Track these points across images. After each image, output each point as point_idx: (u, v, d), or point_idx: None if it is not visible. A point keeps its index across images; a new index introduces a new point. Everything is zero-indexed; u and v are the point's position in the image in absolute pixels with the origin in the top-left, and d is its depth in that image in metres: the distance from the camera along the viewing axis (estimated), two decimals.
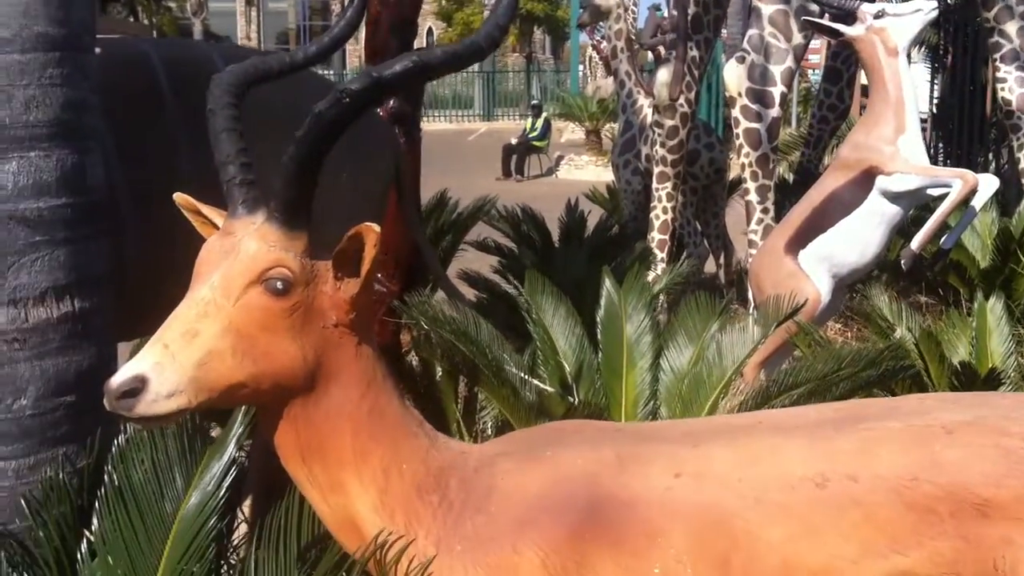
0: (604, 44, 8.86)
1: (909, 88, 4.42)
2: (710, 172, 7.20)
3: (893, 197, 4.40)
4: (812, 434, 1.75)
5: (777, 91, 5.76)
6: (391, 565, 1.75)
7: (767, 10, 5.77)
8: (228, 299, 1.66)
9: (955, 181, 4.25)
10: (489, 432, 3.23)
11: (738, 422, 1.92)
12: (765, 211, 5.82)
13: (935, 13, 4.43)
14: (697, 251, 7.15)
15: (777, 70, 5.74)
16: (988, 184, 4.29)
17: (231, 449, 2.25)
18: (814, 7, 5.41)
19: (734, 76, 5.75)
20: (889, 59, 4.41)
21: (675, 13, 6.21)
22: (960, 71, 9.43)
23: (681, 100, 6.22)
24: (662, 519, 1.69)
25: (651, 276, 5.13)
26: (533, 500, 1.74)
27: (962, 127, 9.39)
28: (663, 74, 6.15)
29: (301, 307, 1.69)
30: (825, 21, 4.67)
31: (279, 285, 1.66)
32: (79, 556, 2.13)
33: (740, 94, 5.76)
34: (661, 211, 6.41)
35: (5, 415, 2.22)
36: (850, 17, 4.55)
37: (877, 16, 4.44)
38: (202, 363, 1.63)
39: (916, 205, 4.68)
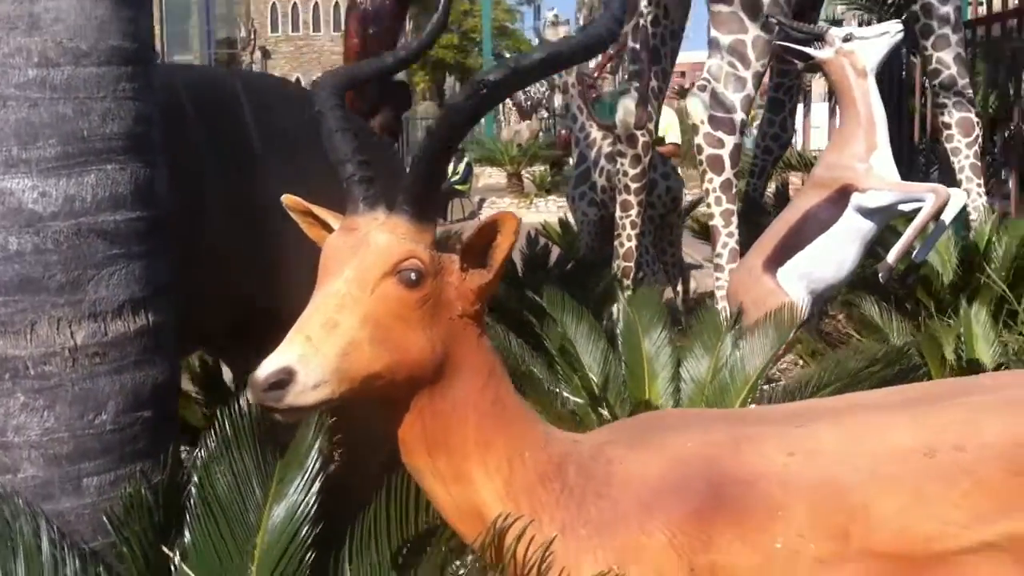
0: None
1: (879, 108, 4.63)
2: (667, 201, 7.36)
3: (868, 213, 4.57)
4: (911, 410, 1.83)
5: (738, 118, 5.93)
6: (512, 549, 1.76)
7: (725, 40, 5.95)
8: (364, 291, 1.67)
9: (928, 195, 4.45)
10: None
11: (832, 404, 2.00)
12: (730, 235, 5.97)
13: (900, 36, 4.66)
14: (655, 279, 7.28)
15: (737, 98, 5.92)
16: (958, 199, 4.50)
17: (314, 457, 2.25)
18: (769, 37, 5.62)
19: (697, 105, 5.92)
20: (859, 80, 4.61)
21: (634, 46, 6.38)
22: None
23: (643, 129, 6.37)
24: (782, 495, 1.74)
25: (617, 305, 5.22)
26: (654, 483, 1.78)
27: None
28: (627, 103, 6.30)
29: (431, 298, 1.71)
30: (795, 45, 4.85)
31: (412, 276, 1.69)
32: (172, 569, 2.10)
33: (703, 122, 5.92)
34: (626, 238, 6.53)
35: (87, 430, 2.18)
36: (819, 41, 4.75)
37: (845, 39, 4.64)
38: (344, 353, 1.64)
39: (889, 220, 4.86)
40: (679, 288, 7.52)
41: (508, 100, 25.22)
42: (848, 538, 1.71)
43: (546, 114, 27.51)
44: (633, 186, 6.49)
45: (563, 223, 8.42)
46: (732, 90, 5.93)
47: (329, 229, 1.85)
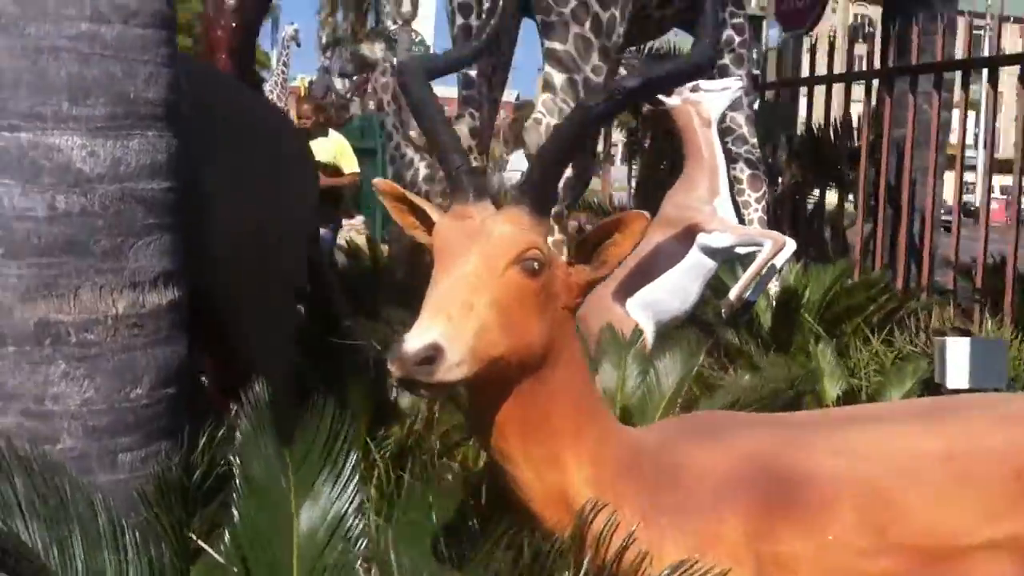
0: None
1: (720, 155, 5.05)
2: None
3: (711, 252, 4.96)
4: (924, 421, 2.07)
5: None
6: (600, 536, 1.86)
7: (558, 79, 6.27)
8: (492, 276, 1.75)
9: (766, 241, 4.90)
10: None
11: (848, 413, 2.24)
12: None
13: (741, 91, 5.13)
14: None
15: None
16: (790, 246, 4.98)
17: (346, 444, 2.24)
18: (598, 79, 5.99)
19: (533, 137, 6.19)
20: (703, 128, 5.01)
21: (468, 73, 6.58)
22: (656, 153, 10.46)
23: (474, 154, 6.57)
24: (832, 492, 1.92)
25: None
26: (725, 477, 1.93)
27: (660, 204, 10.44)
28: (462, 127, 6.47)
29: (544, 288, 1.81)
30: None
31: (534, 266, 1.78)
32: (223, 547, 2.04)
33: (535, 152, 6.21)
34: None
35: (123, 404, 2.10)
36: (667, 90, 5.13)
37: (693, 90, 5.04)
38: (478, 335, 1.71)
39: (727, 259, 5.28)
40: None
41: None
42: (885, 532, 1.91)
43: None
44: None
45: (370, 241, 8.44)
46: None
47: (419, 215, 1.92)
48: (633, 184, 11.16)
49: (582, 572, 1.83)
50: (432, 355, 1.65)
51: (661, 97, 5.05)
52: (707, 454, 1.97)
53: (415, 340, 1.65)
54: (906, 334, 5.40)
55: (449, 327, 1.68)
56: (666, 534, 1.89)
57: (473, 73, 6.61)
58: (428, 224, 1.92)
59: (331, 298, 4.27)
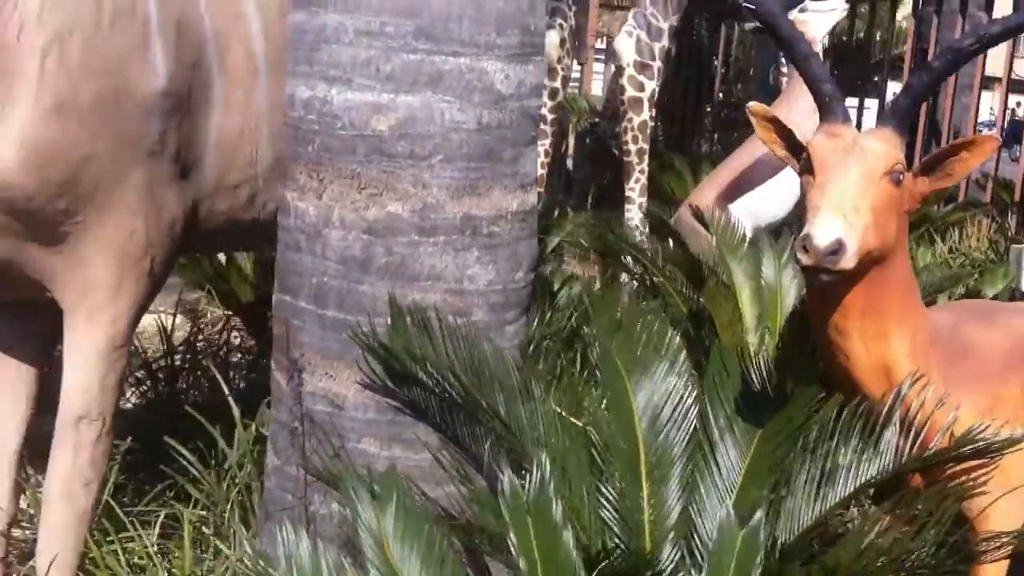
0: None
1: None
2: None
3: None
4: None
5: (656, 66, 6.67)
6: (919, 399, 2.34)
7: None
8: (871, 184, 2.22)
9: None
10: None
11: None
12: (642, 172, 6.73)
13: (845, 12, 5.57)
14: None
15: (657, 47, 6.65)
16: None
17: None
18: None
19: (626, 47, 6.58)
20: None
21: None
22: (684, 67, 10.89)
23: (562, 64, 6.92)
24: None
25: None
26: (1009, 349, 2.46)
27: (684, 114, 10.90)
28: (552, 36, 6.82)
29: (902, 195, 2.29)
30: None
31: (899, 177, 2.26)
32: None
33: (628, 64, 6.60)
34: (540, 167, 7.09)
35: (510, 285, 2.54)
36: None
37: (800, 10, 5.48)
38: (865, 232, 2.18)
39: None
40: None
41: None
42: None
43: None
44: (549, 117, 7.04)
45: None
46: (653, 39, 6.63)
47: (780, 133, 2.37)
48: None
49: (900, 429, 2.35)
50: (836, 248, 2.11)
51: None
52: (989, 333, 2.48)
53: (824, 235, 2.09)
54: (964, 241, 6.01)
55: (846, 225, 2.13)
56: (962, 397, 2.38)
57: None
58: (787, 141, 2.39)
59: None
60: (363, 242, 2.41)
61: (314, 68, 2.39)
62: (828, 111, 2.32)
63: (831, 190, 2.21)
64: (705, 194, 5.67)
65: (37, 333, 2.88)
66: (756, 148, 5.64)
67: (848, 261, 2.14)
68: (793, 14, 5.44)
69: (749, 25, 6.39)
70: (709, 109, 11.19)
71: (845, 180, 2.21)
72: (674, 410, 2.50)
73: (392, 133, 2.36)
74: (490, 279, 2.49)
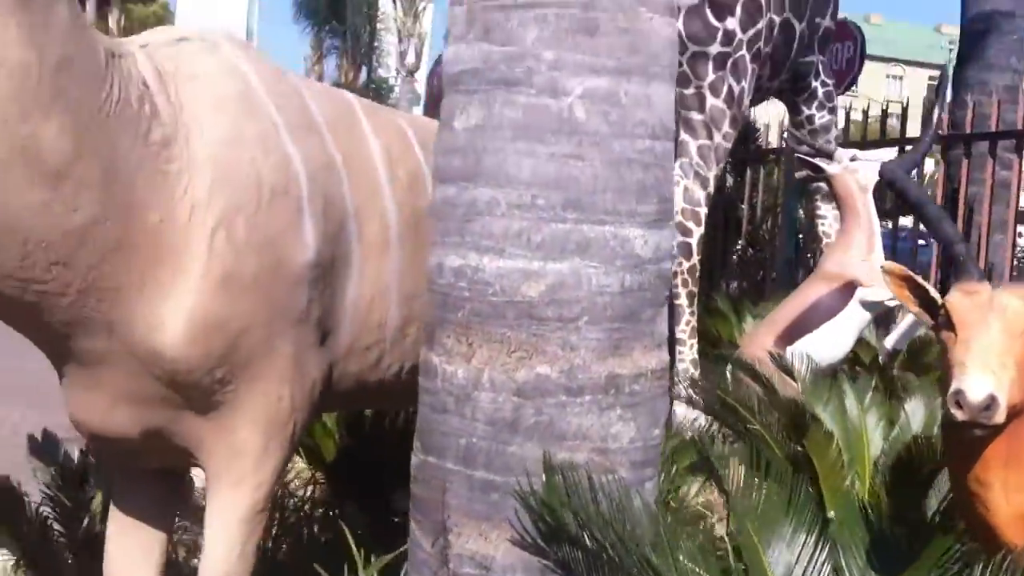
0: None
1: (875, 218, 5.69)
2: None
3: (868, 306, 5.59)
4: None
5: (703, 212, 6.87)
6: None
7: (693, 145, 6.88)
8: (1014, 340, 2.30)
9: None
10: None
11: None
12: (692, 314, 6.85)
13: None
14: None
15: (703, 195, 6.86)
16: None
17: None
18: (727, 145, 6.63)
19: (675, 196, 6.77)
20: (861, 194, 5.65)
21: None
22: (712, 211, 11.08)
23: None
24: None
25: None
26: None
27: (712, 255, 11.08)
28: None
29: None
30: (811, 159, 5.86)
31: None
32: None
33: (677, 212, 6.79)
34: None
35: (649, 442, 2.62)
36: (828, 158, 5.77)
37: (852, 159, 5.69)
38: (1011, 386, 2.26)
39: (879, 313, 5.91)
40: None
41: None
42: None
43: None
44: None
45: None
46: (699, 187, 6.85)
47: (914, 290, 2.47)
48: None
49: None
50: (990, 403, 2.19)
51: (823, 164, 5.69)
52: None
53: (977, 391, 2.18)
54: None
55: (995, 381, 2.21)
56: None
57: None
58: (919, 297, 2.48)
59: None
60: (513, 404, 2.48)
61: (465, 239, 2.51)
62: (963, 270, 2.43)
63: (976, 347, 2.29)
64: (763, 338, 5.76)
65: (166, 498, 2.94)
66: (811, 292, 5.77)
67: (1000, 415, 2.21)
68: (845, 162, 5.66)
69: (800, 174, 6.56)
70: (737, 250, 11.41)
71: (988, 337, 2.29)
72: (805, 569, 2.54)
73: (542, 298, 2.46)
74: (631, 436, 2.56)
